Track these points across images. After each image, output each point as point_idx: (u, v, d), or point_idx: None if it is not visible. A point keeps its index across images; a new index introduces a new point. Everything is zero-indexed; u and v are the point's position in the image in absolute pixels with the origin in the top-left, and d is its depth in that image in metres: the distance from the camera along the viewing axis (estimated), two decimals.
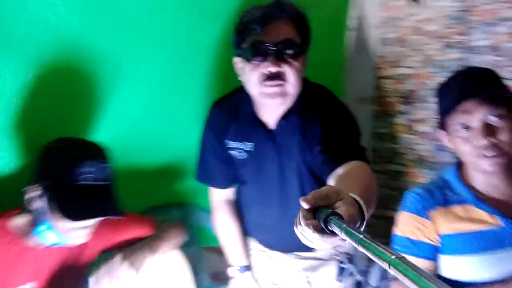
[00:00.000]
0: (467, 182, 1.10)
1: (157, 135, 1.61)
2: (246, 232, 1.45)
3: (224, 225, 1.44)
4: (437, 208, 1.09)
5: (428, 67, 2.10)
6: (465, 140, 1.03)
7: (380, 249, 0.44)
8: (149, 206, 1.68)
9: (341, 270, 1.36)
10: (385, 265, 0.42)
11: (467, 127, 1.02)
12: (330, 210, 0.55)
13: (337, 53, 2.11)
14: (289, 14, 1.11)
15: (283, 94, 1.12)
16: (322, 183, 1.28)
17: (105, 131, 1.50)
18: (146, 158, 1.63)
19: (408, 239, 1.11)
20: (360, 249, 0.46)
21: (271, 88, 1.09)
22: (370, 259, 0.46)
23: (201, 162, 1.40)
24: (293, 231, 1.38)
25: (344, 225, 0.50)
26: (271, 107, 1.20)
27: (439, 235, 1.08)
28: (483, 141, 0.99)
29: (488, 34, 1.97)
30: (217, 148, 1.34)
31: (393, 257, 0.41)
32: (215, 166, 1.37)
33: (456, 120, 1.04)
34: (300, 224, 0.59)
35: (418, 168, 2.11)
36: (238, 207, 1.45)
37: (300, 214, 0.59)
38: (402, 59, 2.16)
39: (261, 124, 1.26)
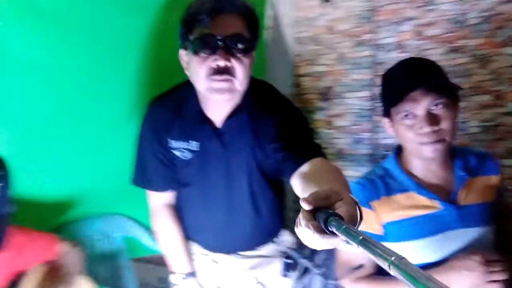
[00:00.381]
0: (407, 169, 1.14)
1: (76, 141, 1.43)
2: (186, 236, 1.38)
3: (165, 230, 1.36)
4: (381, 197, 1.11)
5: (342, 64, 2.19)
6: (409, 127, 1.06)
7: (380, 249, 0.44)
8: (67, 219, 1.55)
9: (286, 265, 1.35)
10: (385, 266, 0.42)
11: (412, 115, 1.05)
12: (330, 211, 0.55)
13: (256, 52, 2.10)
14: (239, 8, 1.08)
15: (231, 90, 1.07)
16: (272, 181, 1.28)
17: (9, 137, 1.30)
18: (63, 165, 1.46)
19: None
20: (360, 249, 0.46)
21: (219, 83, 1.05)
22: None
23: (138, 164, 1.30)
24: (239, 232, 1.31)
25: (344, 226, 0.50)
26: (218, 103, 1.14)
27: (382, 224, 1.11)
28: (427, 129, 1.03)
29: (394, 32, 2.10)
30: (158, 149, 1.24)
31: (393, 258, 0.41)
32: (155, 168, 1.27)
33: (402, 108, 1.06)
34: (300, 225, 0.58)
35: (338, 161, 2.19)
36: (179, 210, 1.37)
37: (300, 215, 0.58)
38: (318, 57, 2.23)
39: (208, 122, 1.19)
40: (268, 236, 1.38)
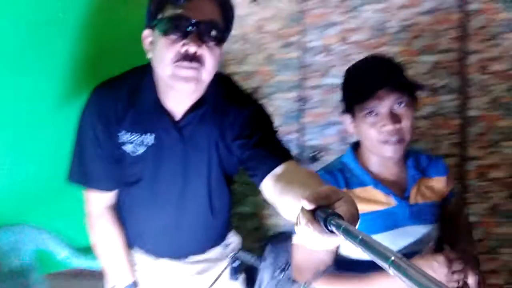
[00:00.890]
0: (364, 165, 1.14)
1: None
2: (128, 242, 1.23)
3: (106, 237, 1.20)
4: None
5: (270, 65, 2.18)
6: (372, 124, 1.06)
7: (380, 249, 0.44)
8: None
9: (234, 269, 1.28)
10: (385, 265, 0.42)
11: (375, 113, 1.06)
12: (330, 210, 0.55)
13: None
14: None
15: (197, 80, 0.97)
16: (228, 179, 1.19)
17: None
18: None
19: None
20: (360, 249, 0.46)
21: (187, 70, 0.95)
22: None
23: (78, 158, 1.13)
24: (190, 234, 1.19)
25: (343, 226, 0.50)
26: (180, 93, 1.03)
27: None
28: (389, 127, 1.03)
29: (320, 36, 2.14)
30: (104, 141, 1.09)
31: (393, 257, 0.41)
32: (99, 164, 1.12)
33: (366, 105, 1.05)
34: (300, 223, 0.58)
35: None
36: (120, 212, 1.22)
37: (300, 214, 0.58)
38: (246, 56, 2.20)
39: (166, 113, 1.07)
40: (219, 238, 1.31)
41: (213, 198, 1.17)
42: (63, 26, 1.23)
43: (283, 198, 0.82)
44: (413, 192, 1.14)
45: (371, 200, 1.11)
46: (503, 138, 1.97)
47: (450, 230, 1.21)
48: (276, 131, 1.08)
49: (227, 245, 1.31)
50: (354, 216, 0.57)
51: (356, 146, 1.19)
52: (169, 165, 1.11)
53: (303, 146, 2.15)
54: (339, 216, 0.53)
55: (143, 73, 1.08)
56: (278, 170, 0.94)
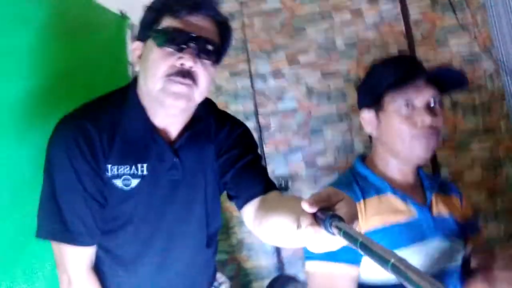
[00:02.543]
0: (379, 173, 1.03)
1: None
2: None
3: None
4: (360, 201, 0.97)
5: (222, 96, 2.06)
6: (407, 118, 0.94)
7: (380, 251, 0.44)
8: None
9: None
10: (385, 267, 0.42)
11: (411, 105, 0.95)
12: (331, 212, 0.55)
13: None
14: (218, 15, 0.95)
15: (188, 98, 0.89)
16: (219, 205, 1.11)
17: None
18: None
19: None
20: (360, 251, 0.47)
21: (179, 86, 0.88)
22: None
23: (52, 210, 0.92)
24: (186, 276, 1.04)
25: (344, 229, 0.50)
26: (170, 111, 0.93)
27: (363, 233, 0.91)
28: (428, 121, 0.93)
29: (268, 61, 2.06)
30: (90, 181, 0.92)
31: (393, 259, 0.42)
32: (84, 211, 0.92)
33: (403, 96, 0.94)
34: (300, 227, 0.58)
35: None
36: (97, 265, 1.00)
37: (301, 217, 0.58)
38: None
39: (159, 135, 0.96)
40: (212, 275, 1.16)
41: (209, 224, 1.06)
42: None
43: (267, 222, 0.81)
44: (433, 203, 1.02)
45: (391, 209, 0.97)
46: (471, 141, 1.94)
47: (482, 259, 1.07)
48: (261, 156, 1.05)
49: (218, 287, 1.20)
50: (354, 218, 0.57)
51: (363, 158, 1.08)
52: (166, 197, 0.98)
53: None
54: (340, 218, 0.53)
55: (123, 97, 0.98)
56: (262, 197, 0.92)
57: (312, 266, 0.93)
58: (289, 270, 1.89)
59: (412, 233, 0.95)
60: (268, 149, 2.00)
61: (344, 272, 0.90)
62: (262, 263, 1.92)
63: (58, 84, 1.21)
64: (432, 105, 0.96)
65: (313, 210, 0.56)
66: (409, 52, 2.00)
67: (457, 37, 1.98)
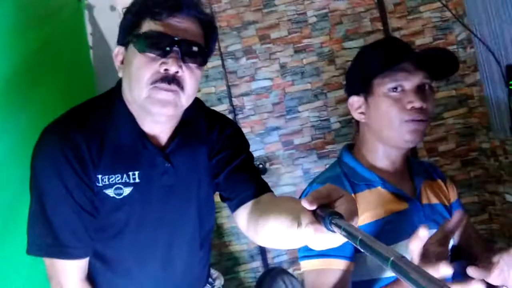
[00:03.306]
0: (367, 164, 1.02)
1: None
2: None
3: None
4: None
5: None
6: (395, 102, 0.93)
7: (380, 248, 0.44)
8: None
9: None
10: (385, 265, 0.42)
11: (400, 89, 0.93)
12: (330, 210, 0.55)
13: (85, 74, 1.75)
14: (201, 14, 0.90)
15: (175, 104, 0.87)
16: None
17: None
18: None
19: None
20: (360, 248, 0.47)
21: (164, 92, 0.84)
22: None
23: (42, 224, 0.88)
24: (181, 279, 1.02)
25: (343, 226, 0.50)
26: (157, 118, 0.91)
27: None
28: (417, 103, 0.91)
29: (239, 38, 1.97)
30: (80, 192, 0.88)
31: (393, 257, 0.41)
32: (75, 224, 0.89)
33: (392, 78, 0.92)
34: (301, 225, 0.58)
35: None
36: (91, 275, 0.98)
37: (301, 215, 0.59)
38: None
39: (149, 140, 0.93)
40: (207, 274, 1.14)
41: (204, 230, 1.05)
42: None
43: (264, 225, 0.80)
44: (423, 191, 1.02)
45: (382, 203, 0.96)
46: (444, 111, 1.94)
47: (468, 240, 1.07)
48: (252, 156, 1.04)
49: (213, 283, 1.19)
50: (353, 214, 0.57)
51: (350, 148, 1.07)
52: (160, 205, 0.96)
53: None
54: (339, 215, 0.53)
55: (109, 102, 0.94)
56: (256, 199, 0.91)
57: (306, 264, 0.93)
58: (271, 254, 1.91)
59: (403, 226, 0.95)
60: (243, 131, 1.94)
61: (339, 267, 0.90)
62: (243, 247, 1.92)
63: (17, 74, 1.15)
64: (422, 86, 0.94)
65: (312, 207, 0.57)
66: (381, 21, 1.95)
67: (429, 4, 1.95)
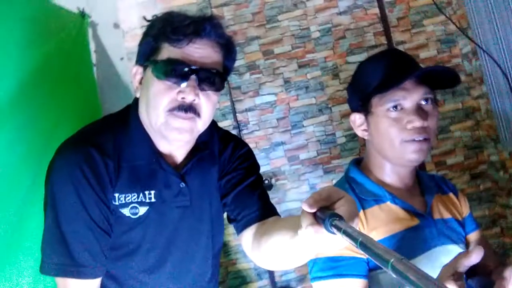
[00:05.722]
0: (375, 178, 0.98)
1: None
2: None
3: None
4: (359, 213, 0.93)
5: None
6: (395, 121, 0.89)
7: (380, 250, 0.44)
8: None
9: None
10: (385, 267, 0.42)
11: (400, 108, 0.90)
12: (331, 211, 0.55)
13: (89, 91, 1.74)
14: (221, 36, 0.89)
15: (191, 131, 0.87)
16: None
17: None
18: None
19: (332, 258, 0.89)
20: (360, 250, 0.47)
21: (181, 121, 0.84)
22: None
23: (57, 243, 0.86)
24: None
25: (344, 228, 0.50)
26: (173, 144, 0.92)
27: None
28: (417, 123, 0.87)
29: (242, 54, 1.96)
30: (95, 210, 0.86)
31: (393, 259, 0.42)
32: (90, 243, 0.87)
33: (390, 98, 0.89)
34: (301, 227, 0.58)
35: None
36: None
37: (302, 217, 0.58)
38: None
39: (166, 162, 0.93)
40: None
41: (215, 243, 1.03)
42: None
43: (267, 241, 0.80)
44: (434, 206, 0.98)
45: (393, 219, 0.92)
46: (451, 124, 1.92)
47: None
48: (262, 178, 1.03)
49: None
50: (353, 216, 0.57)
51: (357, 162, 1.04)
52: (174, 222, 0.95)
53: None
54: (339, 217, 0.53)
55: (124, 120, 0.94)
56: (262, 222, 0.91)
57: (320, 286, 0.89)
58: (279, 272, 1.86)
59: (415, 243, 0.92)
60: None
61: (355, 286, 0.87)
62: (251, 265, 1.88)
63: (23, 89, 1.15)
64: (423, 103, 0.91)
65: (313, 209, 0.57)
66: (385, 35, 1.95)
67: (433, 18, 1.95)
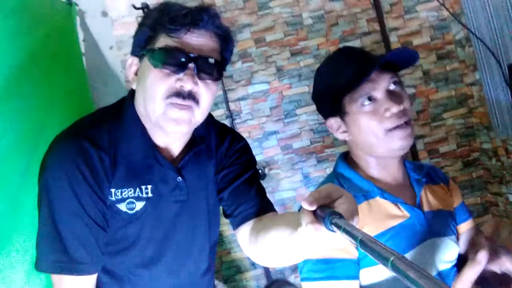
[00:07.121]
0: (363, 173, 0.97)
1: None
2: None
3: None
4: None
5: None
6: (372, 113, 0.89)
7: (380, 248, 0.44)
8: None
9: None
10: (385, 265, 0.42)
11: (372, 99, 0.89)
12: (331, 209, 0.54)
13: (79, 80, 1.71)
14: (218, 27, 0.87)
15: (189, 122, 0.85)
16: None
17: None
18: None
19: (323, 260, 0.88)
20: (360, 248, 0.46)
21: (179, 111, 0.82)
22: None
23: (52, 239, 0.85)
24: None
25: (343, 226, 0.50)
26: (170, 135, 0.89)
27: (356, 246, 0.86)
28: (394, 109, 0.87)
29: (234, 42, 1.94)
30: (92, 205, 0.85)
31: (393, 257, 0.41)
32: (86, 239, 0.86)
33: (360, 93, 0.88)
34: (301, 225, 0.58)
35: None
36: None
37: (301, 215, 0.58)
38: None
39: (162, 154, 0.91)
40: (213, 283, 1.12)
41: (211, 236, 1.04)
42: None
43: (264, 237, 0.79)
44: (423, 198, 0.96)
45: (383, 215, 0.92)
46: (444, 111, 1.92)
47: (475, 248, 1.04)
48: (259, 173, 1.04)
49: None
50: (353, 214, 0.57)
51: (345, 156, 1.02)
52: (171, 219, 0.94)
53: None
54: (339, 215, 0.53)
55: (119, 113, 0.92)
56: (259, 218, 0.90)
57: (312, 287, 0.88)
58: None
59: (405, 238, 0.90)
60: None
61: None
62: (245, 255, 1.88)
63: (11, 82, 1.13)
64: (392, 87, 0.90)
65: (312, 207, 0.56)
66: (378, 21, 1.93)
67: (426, 4, 1.93)
